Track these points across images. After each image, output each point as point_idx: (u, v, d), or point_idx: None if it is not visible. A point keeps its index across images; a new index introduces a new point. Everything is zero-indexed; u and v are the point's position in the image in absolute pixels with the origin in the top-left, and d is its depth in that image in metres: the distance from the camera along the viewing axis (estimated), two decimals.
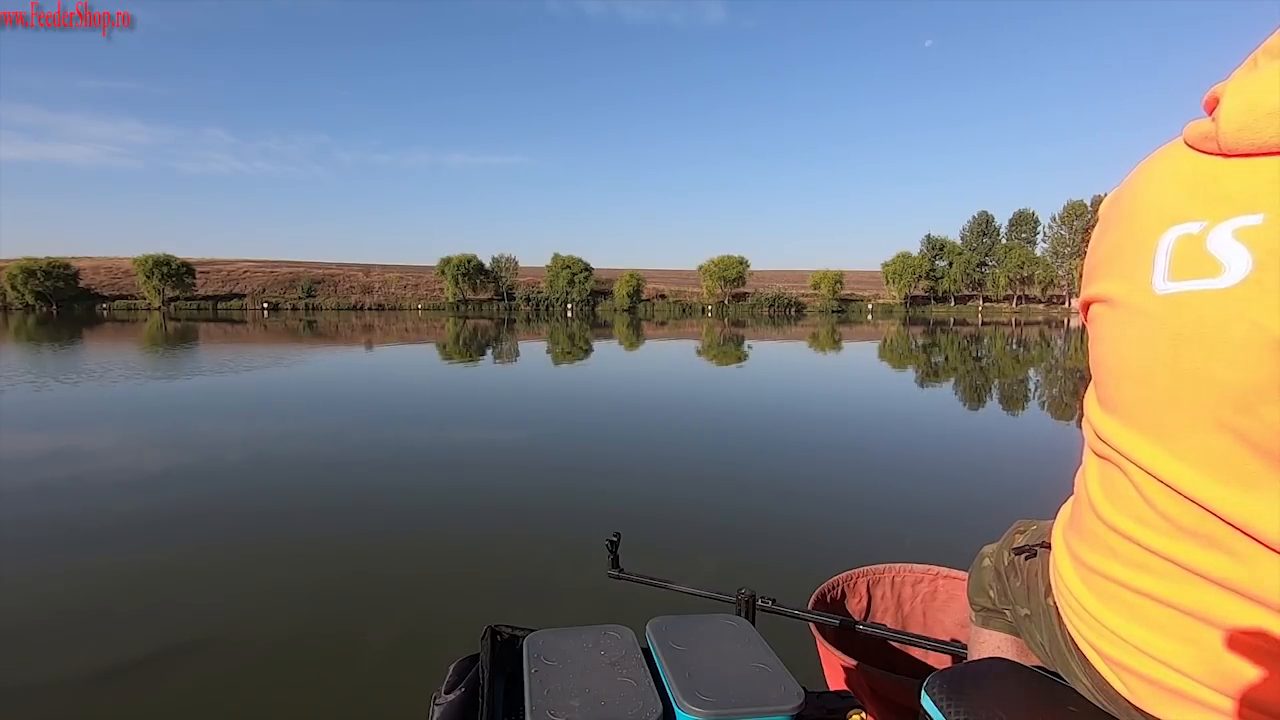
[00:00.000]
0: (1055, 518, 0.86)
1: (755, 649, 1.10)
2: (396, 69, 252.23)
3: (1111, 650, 0.69)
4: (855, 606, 1.80)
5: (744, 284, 73.87)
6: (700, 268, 73.75)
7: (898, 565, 1.83)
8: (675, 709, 0.95)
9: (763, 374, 15.12)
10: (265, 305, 65.43)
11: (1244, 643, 0.58)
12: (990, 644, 1.02)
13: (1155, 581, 0.64)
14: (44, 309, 55.39)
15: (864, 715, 1.33)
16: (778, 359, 19.36)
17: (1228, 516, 0.57)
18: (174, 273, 62.32)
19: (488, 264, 72.63)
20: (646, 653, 1.11)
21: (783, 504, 4.86)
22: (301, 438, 7.27)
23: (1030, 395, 11.86)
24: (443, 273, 70.57)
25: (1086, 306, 0.73)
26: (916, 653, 1.73)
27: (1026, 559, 0.93)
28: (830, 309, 68.43)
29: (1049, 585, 0.84)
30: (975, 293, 74.72)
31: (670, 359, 18.96)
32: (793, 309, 68.73)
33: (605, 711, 0.92)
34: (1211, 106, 0.62)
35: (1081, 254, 64.41)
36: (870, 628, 1.52)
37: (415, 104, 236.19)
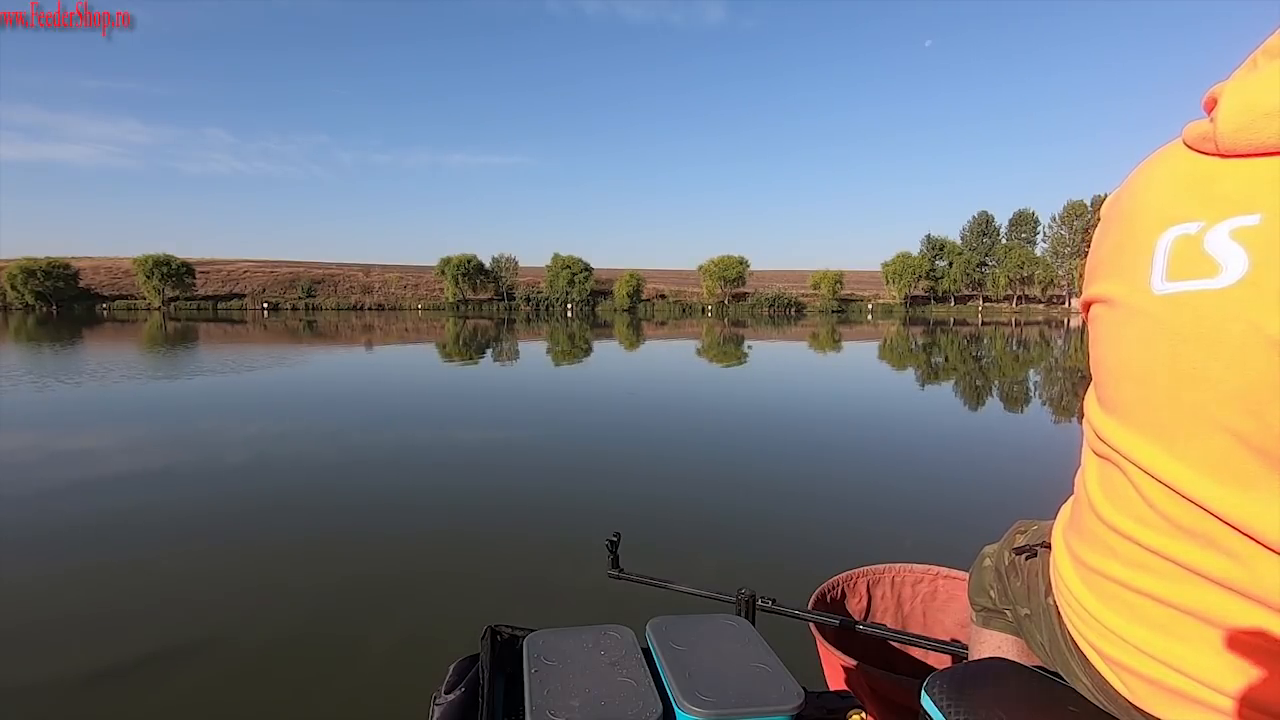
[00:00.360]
0: (1055, 518, 0.86)
1: (755, 649, 1.09)
2: (396, 69, 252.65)
3: (1111, 650, 0.69)
4: (855, 606, 1.80)
5: (744, 284, 73.88)
6: (700, 268, 73.76)
7: (898, 565, 1.83)
8: (675, 709, 0.95)
9: (763, 374, 15.12)
10: (265, 305, 65.44)
11: (1244, 642, 0.58)
12: (991, 644, 1.02)
13: (1155, 581, 0.64)
14: (44, 309, 55.39)
15: (864, 715, 1.33)
16: (778, 359, 19.36)
17: (1226, 517, 0.57)
18: (174, 273, 62.35)
19: (488, 264, 72.65)
20: (646, 653, 1.11)
21: (783, 504, 4.86)
22: (302, 438, 7.27)
23: (1030, 395, 11.85)
24: (443, 273, 70.58)
25: (1087, 306, 0.73)
26: (916, 653, 1.73)
27: (1027, 559, 0.93)
28: (830, 309, 68.44)
29: (1049, 585, 0.84)
30: (975, 293, 74.72)
31: (670, 359, 18.96)
32: (793, 309, 68.74)
33: (605, 711, 0.92)
34: (1211, 107, 0.62)
35: (1081, 254, 64.49)
36: (870, 628, 1.52)
37: (415, 104, 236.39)
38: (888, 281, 73.30)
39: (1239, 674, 0.58)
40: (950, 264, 73.32)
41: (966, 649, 1.28)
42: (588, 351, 20.65)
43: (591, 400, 10.38)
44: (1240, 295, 0.56)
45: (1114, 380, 0.67)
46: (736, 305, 70.77)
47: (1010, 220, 75.32)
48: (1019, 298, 72.59)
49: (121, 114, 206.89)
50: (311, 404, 9.83)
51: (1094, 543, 0.71)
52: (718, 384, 13.23)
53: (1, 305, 56.48)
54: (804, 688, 0.99)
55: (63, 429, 7.58)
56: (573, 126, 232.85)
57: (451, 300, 69.40)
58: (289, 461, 6.18)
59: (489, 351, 20.16)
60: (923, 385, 13.24)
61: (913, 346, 24.19)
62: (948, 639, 1.50)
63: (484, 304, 70.38)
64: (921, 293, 74.40)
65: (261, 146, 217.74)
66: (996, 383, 13.65)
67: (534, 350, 21.07)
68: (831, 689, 1.55)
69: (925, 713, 0.81)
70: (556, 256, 71.97)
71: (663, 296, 74.31)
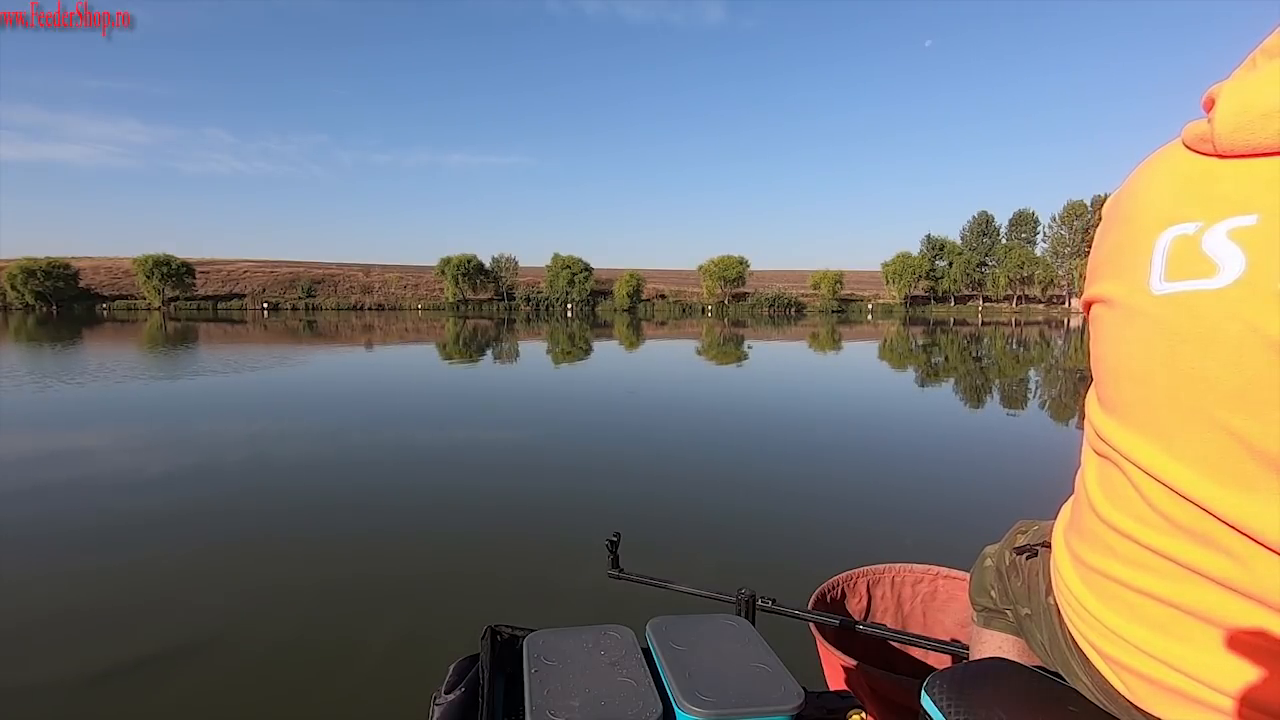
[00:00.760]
0: (1056, 518, 0.87)
1: (755, 649, 1.09)
2: (396, 69, 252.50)
3: (1111, 649, 0.69)
4: (855, 606, 1.80)
5: (744, 284, 73.87)
6: (700, 268, 73.75)
7: (898, 565, 1.82)
8: (675, 709, 0.95)
9: (763, 374, 15.12)
10: (265, 305, 65.44)
11: (1244, 642, 0.58)
12: (992, 644, 1.02)
13: (1155, 580, 0.64)
14: (44, 309, 55.40)
15: (864, 715, 1.33)
16: (778, 359, 19.36)
17: (1225, 516, 0.57)
18: (174, 273, 62.34)
19: (488, 264, 72.65)
20: (646, 653, 1.10)
21: (783, 504, 4.86)
22: (302, 438, 7.27)
23: (1030, 395, 11.86)
24: (443, 273, 70.58)
25: (1088, 306, 0.74)
26: (916, 653, 1.73)
27: (1028, 559, 0.94)
28: (830, 309, 68.43)
29: (1050, 584, 0.84)
30: (975, 293, 74.72)
31: (670, 359, 18.96)
32: (793, 309, 68.73)
33: (605, 711, 0.92)
34: (1210, 106, 0.63)
35: (1081, 254, 64.53)
36: (870, 628, 1.52)
37: (415, 104, 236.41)
38: (888, 281, 73.29)
39: (1239, 673, 0.58)
40: (950, 264, 73.31)
41: (966, 649, 1.29)
42: (588, 351, 20.65)
43: (591, 400, 10.38)
44: (1237, 295, 0.56)
45: (1114, 380, 0.68)
46: (736, 305, 70.76)
47: (1010, 220, 75.36)
48: (1019, 298, 72.59)
49: (121, 114, 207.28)
50: (312, 404, 9.83)
51: (1094, 542, 0.71)
52: (718, 384, 13.23)
53: (1, 305, 56.48)
54: (804, 688, 0.99)
55: (63, 429, 7.58)
56: (573, 126, 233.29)
57: (451, 300, 69.40)
58: (289, 461, 6.18)
59: (489, 351, 20.16)
60: (923, 385, 13.24)
61: (913, 347, 24.19)
62: (948, 639, 1.50)
63: (484, 304, 70.38)
64: (921, 293, 74.39)
65: (261, 146, 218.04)
66: (996, 383, 13.65)
67: (534, 350, 21.07)
68: (831, 689, 1.54)
69: (925, 713, 0.81)
70: (556, 256, 72.00)
71: (663, 296, 74.30)
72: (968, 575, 1.36)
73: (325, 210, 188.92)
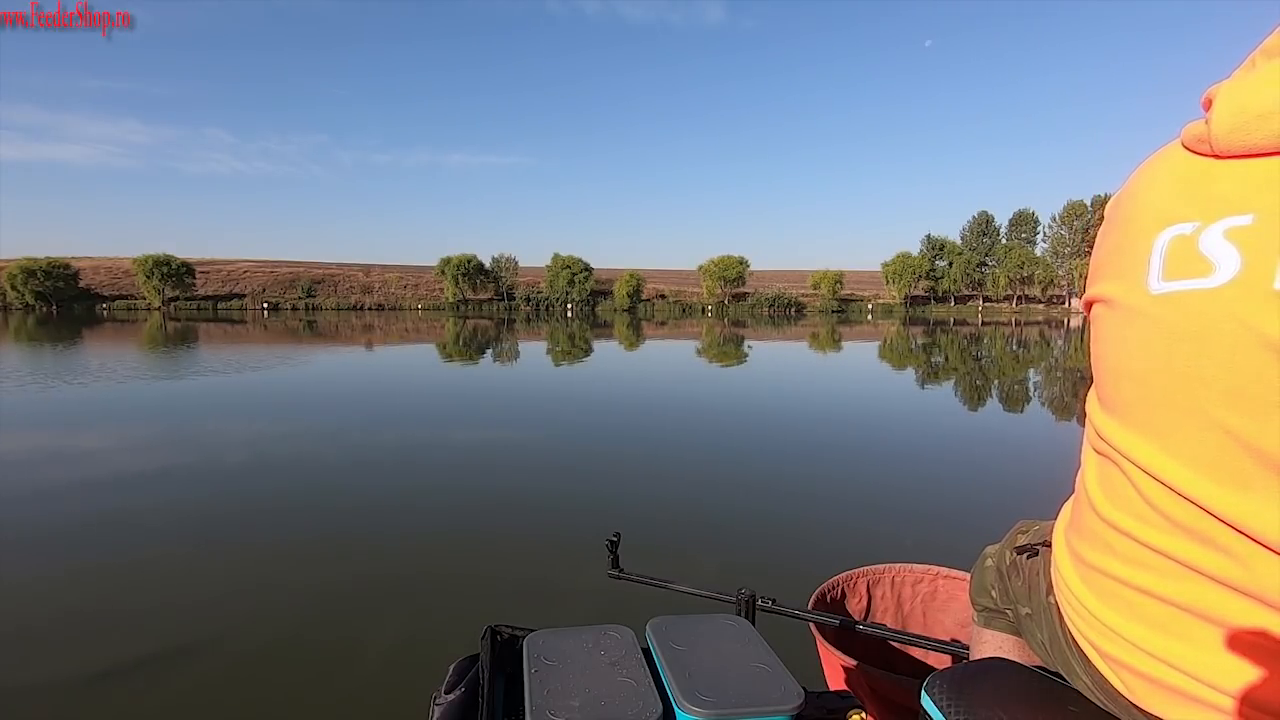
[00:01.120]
0: (1057, 517, 0.87)
1: (755, 649, 1.09)
2: (396, 69, 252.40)
3: (1111, 648, 0.69)
4: (855, 606, 1.80)
5: (744, 284, 73.88)
6: (700, 268, 73.77)
7: (898, 565, 1.83)
8: (675, 709, 0.95)
9: (763, 374, 15.12)
10: (265, 305, 65.46)
11: (1243, 640, 0.58)
12: (992, 644, 1.02)
13: (1154, 579, 0.64)
14: (44, 309, 55.41)
15: (864, 715, 1.33)
16: (778, 359, 19.36)
17: (1222, 515, 0.57)
18: (174, 273, 62.38)
19: (488, 264, 72.67)
20: (646, 653, 1.10)
21: (783, 504, 4.86)
22: (302, 438, 7.27)
23: (1031, 395, 11.86)
24: (443, 273, 70.60)
25: (1089, 306, 0.74)
26: (916, 653, 1.73)
27: (1028, 558, 0.94)
28: (830, 309, 68.45)
29: (1050, 584, 0.84)
30: (975, 293, 74.73)
31: (670, 359, 18.96)
32: (793, 309, 68.75)
33: (605, 711, 0.92)
34: (1208, 107, 0.63)
35: (1081, 254, 64.61)
36: (870, 628, 1.52)
37: (415, 104, 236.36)
38: (888, 281, 73.30)
39: (1238, 672, 0.58)
40: (950, 264, 73.33)
41: (966, 649, 1.29)
42: (588, 351, 20.65)
43: (591, 400, 10.38)
44: (1232, 295, 0.56)
45: (1113, 379, 0.68)
46: (736, 305, 70.77)
47: (1010, 220, 75.40)
48: (1019, 298, 72.60)
49: (121, 114, 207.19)
50: (312, 404, 9.83)
51: (1094, 540, 0.71)
52: (718, 384, 13.23)
53: (1, 305, 56.50)
54: (804, 688, 0.99)
55: (64, 429, 7.58)
56: (573, 126, 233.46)
57: (451, 300, 69.42)
58: (289, 461, 6.18)
59: (489, 351, 20.16)
60: (923, 385, 13.24)
61: (913, 346, 24.19)
62: (948, 639, 1.50)
63: (484, 304, 70.39)
64: (921, 293, 74.40)
65: (261, 146, 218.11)
66: (996, 383, 13.65)
67: (534, 350, 21.07)
68: (831, 689, 1.54)
69: (925, 713, 0.81)
70: (556, 256, 72.01)
71: (663, 296, 74.31)
72: (968, 575, 1.36)
73: (325, 210, 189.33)
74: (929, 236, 74.89)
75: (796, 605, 1.56)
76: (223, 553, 3.84)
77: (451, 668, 1.15)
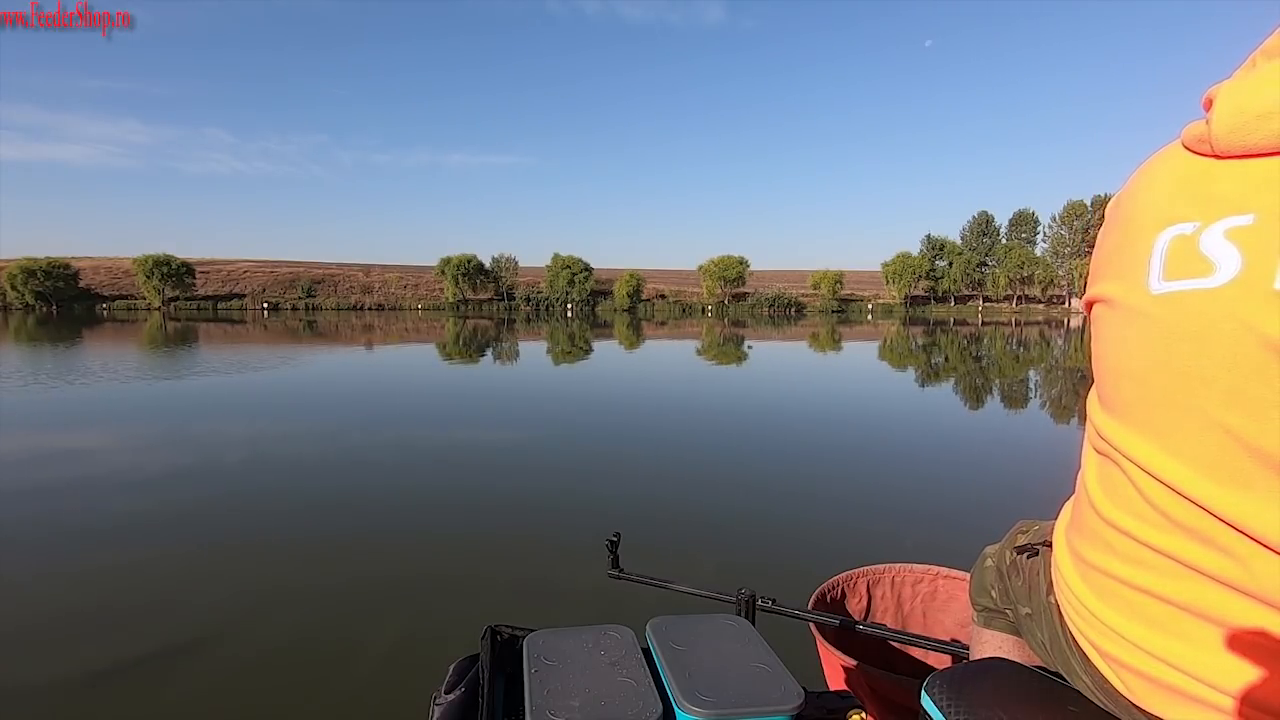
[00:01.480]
0: (1057, 517, 0.87)
1: (755, 649, 1.09)
2: (396, 69, 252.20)
3: (1111, 648, 0.69)
4: (855, 606, 1.80)
5: (744, 284, 73.88)
6: (700, 268, 73.77)
7: (898, 565, 1.82)
8: (675, 709, 0.95)
9: (763, 374, 15.13)
10: (265, 305, 65.45)
11: (1243, 640, 0.58)
12: (992, 644, 1.02)
13: (1154, 578, 0.64)
14: (44, 309, 55.40)
15: (864, 715, 1.33)
16: (778, 359, 19.36)
17: (1222, 514, 0.57)
18: (174, 273, 62.35)
19: (488, 264, 72.66)
20: (646, 653, 1.10)
21: (783, 504, 4.86)
22: (302, 438, 7.27)
23: (1030, 395, 11.86)
24: (443, 273, 70.59)
25: (1090, 306, 0.74)
26: (916, 653, 1.73)
27: (1028, 558, 0.94)
28: (830, 309, 68.44)
29: (1050, 584, 0.84)
30: (975, 293, 74.72)
31: (670, 359, 18.96)
32: (793, 309, 68.74)
33: (605, 711, 0.92)
34: (1209, 107, 0.63)
35: (1081, 254, 64.62)
36: (870, 628, 1.52)
37: (415, 104, 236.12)
38: (888, 281, 73.29)
39: (1238, 672, 0.58)
40: (950, 264, 73.33)
41: (966, 649, 1.29)
42: (588, 352, 20.65)
43: (591, 400, 10.38)
44: (1232, 294, 0.56)
45: (1114, 379, 0.68)
46: (736, 305, 70.76)
47: (1010, 220, 75.40)
48: (1019, 298, 72.58)
49: (121, 114, 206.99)
50: (312, 404, 9.83)
51: (1094, 540, 0.71)
52: (718, 384, 13.23)
53: (1, 305, 56.50)
54: (804, 688, 0.99)
55: (65, 429, 7.58)
56: (572, 126, 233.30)
57: (451, 300, 69.41)
58: (289, 461, 6.18)
59: (489, 352, 20.16)
60: (923, 385, 13.24)
61: (913, 346, 24.20)
62: (948, 639, 1.50)
63: (484, 304, 70.38)
64: (921, 293, 74.39)
65: (261, 146, 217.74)
66: (996, 383, 13.65)
67: (534, 350, 21.08)
68: (831, 689, 1.54)
69: (925, 713, 0.81)
70: (556, 256, 72.00)
71: (663, 296, 74.31)
72: (968, 575, 1.36)
73: (325, 210, 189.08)
74: (929, 236, 74.96)
75: (796, 605, 1.56)
76: (223, 553, 3.84)
77: (451, 668, 1.15)
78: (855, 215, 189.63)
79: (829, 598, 1.75)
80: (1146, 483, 0.63)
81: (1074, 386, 12.35)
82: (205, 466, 5.87)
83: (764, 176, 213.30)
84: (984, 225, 75.19)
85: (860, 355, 20.68)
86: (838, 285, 72.92)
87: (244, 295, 67.26)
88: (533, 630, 1.16)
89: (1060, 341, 27.35)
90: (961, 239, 75.96)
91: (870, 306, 70.72)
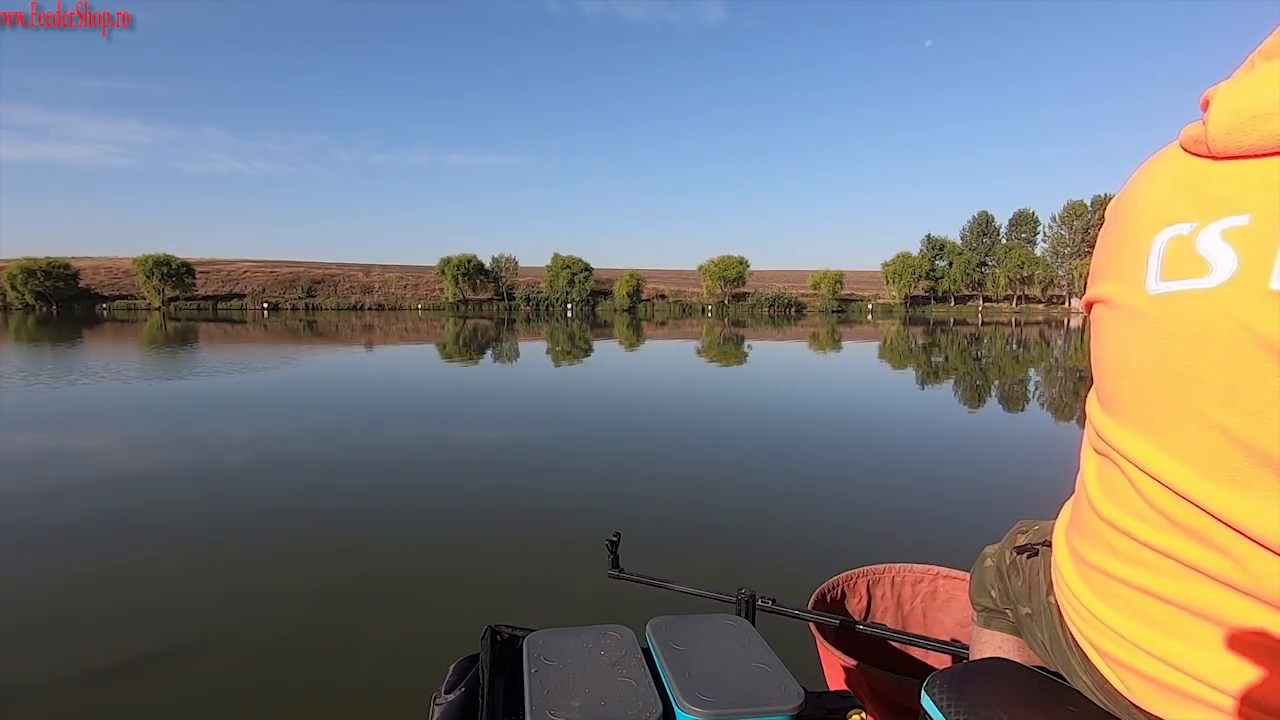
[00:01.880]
0: (1057, 517, 0.87)
1: (755, 649, 1.09)
2: (396, 69, 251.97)
3: (1111, 648, 0.69)
4: (855, 606, 1.80)
5: (744, 284, 73.90)
6: (700, 268, 73.79)
7: (898, 565, 1.83)
8: (675, 709, 0.95)
9: (762, 374, 15.12)
10: (265, 305, 65.47)
11: (1242, 639, 0.58)
12: (992, 644, 1.02)
13: (1153, 578, 0.64)
14: (44, 309, 55.42)
15: (864, 715, 1.33)
16: (778, 359, 19.36)
17: (1220, 514, 0.57)
18: (174, 273, 62.41)
19: (488, 264, 72.68)
20: (646, 653, 1.10)
21: (783, 504, 4.86)
22: (302, 438, 7.27)
23: (1030, 395, 11.86)
24: (443, 273, 70.61)
25: (1089, 306, 0.74)
26: (916, 653, 1.73)
27: (1028, 558, 0.94)
28: (830, 309, 68.45)
29: (1050, 584, 0.84)
30: (975, 293, 74.74)
31: (670, 359, 18.95)
32: (793, 309, 68.76)
33: (605, 711, 0.92)
34: (1207, 107, 0.64)
35: (1081, 254, 64.63)
36: (870, 628, 1.52)
37: (415, 104, 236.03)
38: (888, 281, 73.30)
39: (1238, 671, 0.58)
40: (950, 264, 73.35)
41: (966, 649, 1.29)
42: (588, 352, 20.65)
43: (591, 400, 10.38)
44: (1229, 294, 0.56)
45: (1112, 379, 0.68)
46: (736, 305, 70.77)
47: (1010, 220, 75.42)
48: (1019, 298, 72.60)
49: (121, 114, 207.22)
50: (312, 404, 9.83)
51: (1093, 540, 0.71)
52: (718, 384, 13.23)
53: (1, 305, 56.50)
54: (804, 688, 0.99)
55: (65, 428, 7.58)
56: (573, 126, 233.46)
57: (451, 300, 69.43)
58: (289, 461, 6.18)
59: (489, 352, 20.16)
60: (923, 385, 13.24)
61: (913, 346, 24.19)
62: (948, 639, 1.50)
63: (484, 304, 70.40)
64: (921, 293, 74.40)
65: (261, 146, 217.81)
66: (996, 383, 13.65)
67: (534, 350, 21.07)
68: (831, 689, 1.54)
69: (925, 713, 0.81)
70: (556, 256, 72.01)
71: (663, 296, 74.31)
72: (968, 575, 1.36)
73: (325, 210, 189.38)
74: (929, 236, 75.02)
75: (796, 605, 1.56)
76: (223, 553, 3.84)
77: (451, 668, 1.15)
78: (855, 215, 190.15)
79: (829, 598, 1.75)
80: (1145, 482, 0.63)
81: (1073, 386, 12.35)
82: (206, 467, 5.87)
83: (764, 176, 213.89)
84: (984, 225, 75.20)
85: (860, 355, 20.68)
86: (838, 285, 72.94)
87: (244, 295, 67.27)
88: (533, 630, 1.16)
89: (1060, 342, 27.35)
90: (961, 239, 75.98)
91: (870, 306, 70.72)
